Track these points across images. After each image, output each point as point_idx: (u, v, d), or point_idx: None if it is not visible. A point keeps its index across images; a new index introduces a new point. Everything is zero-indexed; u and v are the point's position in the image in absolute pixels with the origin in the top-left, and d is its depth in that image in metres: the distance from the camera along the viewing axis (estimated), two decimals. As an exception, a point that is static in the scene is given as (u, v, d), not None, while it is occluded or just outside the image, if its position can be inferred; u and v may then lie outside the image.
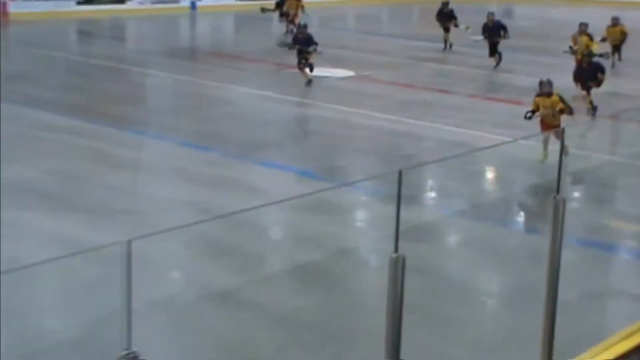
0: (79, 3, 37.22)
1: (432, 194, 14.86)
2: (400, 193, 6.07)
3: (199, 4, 40.65)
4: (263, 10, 34.48)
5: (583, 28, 23.78)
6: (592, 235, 12.99)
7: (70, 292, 10.50)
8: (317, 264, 12.07)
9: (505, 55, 27.71)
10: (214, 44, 30.87)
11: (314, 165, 16.49)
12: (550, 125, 15.73)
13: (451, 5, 30.70)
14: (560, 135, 14.55)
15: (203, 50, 30.29)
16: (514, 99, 19.18)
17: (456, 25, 29.99)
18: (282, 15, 32.26)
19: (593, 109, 19.31)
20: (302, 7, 32.46)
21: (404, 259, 5.91)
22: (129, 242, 4.71)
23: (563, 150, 7.74)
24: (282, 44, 24.24)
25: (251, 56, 28.64)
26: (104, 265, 9.80)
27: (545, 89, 16.11)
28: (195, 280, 11.53)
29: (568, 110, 15.75)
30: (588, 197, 15.01)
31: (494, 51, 26.75)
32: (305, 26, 24.48)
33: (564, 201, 7.33)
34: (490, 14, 27.41)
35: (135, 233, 4.91)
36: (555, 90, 15.85)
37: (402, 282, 5.93)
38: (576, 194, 14.37)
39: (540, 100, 16.00)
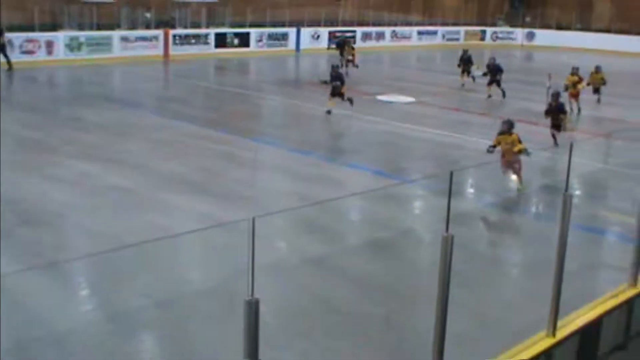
0: (216, 47, 37.51)
1: (472, 190, 14.72)
2: (451, 189, 6.06)
3: (302, 47, 40.77)
4: (329, 49, 34.51)
5: (575, 71, 23.46)
6: (589, 223, 12.78)
7: (209, 255, 10.62)
8: (385, 240, 12.05)
9: (524, 88, 27.40)
10: (312, 77, 30.91)
11: (384, 166, 16.45)
12: (508, 159, 14.21)
13: (470, 52, 30.05)
14: (516, 168, 14.15)
15: (304, 81, 30.40)
16: (532, 121, 18.85)
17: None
18: (342, 55, 31.97)
19: (555, 143, 17.93)
20: (354, 54, 31.90)
21: (452, 237, 5.89)
22: (253, 219, 4.74)
23: (570, 158, 7.59)
24: (322, 81, 23.28)
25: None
26: (233, 236, 9.91)
27: (503, 128, 14.43)
28: (296, 249, 11.58)
29: (525, 151, 14.04)
30: (586, 194, 14.73)
31: (491, 83, 26.01)
32: (337, 67, 23.60)
33: (571, 197, 7.26)
34: (492, 58, 26.79)
35: (254, 213, 4.94)
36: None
37: (451, 254, 5.91)
38: (577, 192, 14.11)
39: (501, 138, 14.31)
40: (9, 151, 17.08)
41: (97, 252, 10.44)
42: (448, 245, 5.92)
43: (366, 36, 44.54)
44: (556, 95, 18.29)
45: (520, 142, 14.08)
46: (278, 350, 7.66)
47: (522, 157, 14.14)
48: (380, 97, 26.19)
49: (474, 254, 10.99)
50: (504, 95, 25.91)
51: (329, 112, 21.99)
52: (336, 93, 22.24)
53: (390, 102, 25.43)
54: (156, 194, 13.78)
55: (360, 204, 13.65)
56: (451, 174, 6.27)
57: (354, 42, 36.76)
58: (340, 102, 22.03)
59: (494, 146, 14.40)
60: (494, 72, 26.01)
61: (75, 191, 13.84)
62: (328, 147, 18.77)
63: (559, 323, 7.53)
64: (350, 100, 22.26)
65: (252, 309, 4.82)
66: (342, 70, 30.48)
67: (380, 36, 45.42)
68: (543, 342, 7.40)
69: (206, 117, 21.84)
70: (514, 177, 14.37)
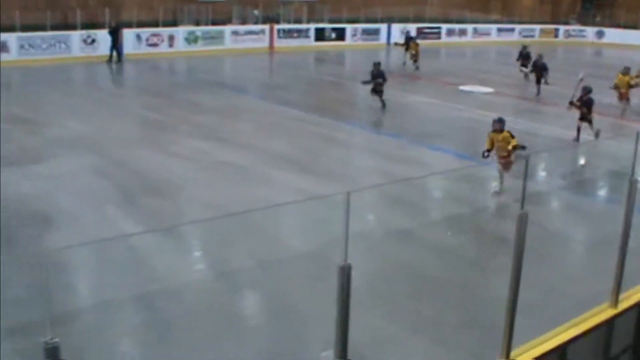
0: (315, 40, 37.62)
1: (542, 173, 14.42)
2: (527, 171, 5.95)
3: (392, 41, 40.44)
4: (396, 44, 33.85)
5: (626, 70, 22.39)
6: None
7: (306, 224, 10.70)
8: (465, 216, 11.94)
9: (592, 82, 26.29)
10: (399, 68, 30.69)
11: (465, 149, 16.23)
12: (502, 157, 12.85)
13: (529, 48, 28.81)
14: (508, 168, 12.76)
15: (393, 71, 30.16)
16: (596, 111, 18.18)
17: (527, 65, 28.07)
18: (407, 51, 31.39)
19: (577, 138, 16.87)
20: (418, 50, 30.63)
21: (527, 215, 5.79)
22: (348, 194, 4.75)
23: (636, 145, 7.33)
24: (363, 82, 21.19)
25: (424, 76, 28.36)
26: (328, 208, 9.95)
27: (495, 126, 12.96)
28: (383, 222, 11.58)
29: (520, 146, 12.75)
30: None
31: (539, 81, 24.66)
32: (379, 64, 21.41)
33: (636, 181, 7.06)
34: (539, 55, 25.72)
35: (346, 188, 4.95)
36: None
37: (525, 231, 5.81)
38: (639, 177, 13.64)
39: (493, 135, 12.92)
40: (136, 130, 17.60)
41: (209, 218, 10.65)
42: (522, 222, 5.82)
43: (450, 32, 44.03)
44: (587, 90, 17.15)
45: (512, 137, 12.91)
46: (366, 311, 7.69)
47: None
48: (462, 87, 25.85)
49: (544, 231, 10.81)
50: (538, 92, 24.84)
51: (383, 105, 20.81)
52: (378, 90, 20.84)
53: (471, 92, 25.07)
54: (262, 169, 13.94)
55: (442, 182, 13.52)
56: (527, 157, 6.18)
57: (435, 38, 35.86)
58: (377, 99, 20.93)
59: (489, 150, 12.98)
60: (540, 70, 25.01)
61: (191, 166, 14.13)
62: (414, 131, 18.61)
63: (621, 296, 7.36)
64: (384, 105, 20.89)
65: (345, 273, 4.85)
66: (406, 64, 30.21)
67: (463, 32, 44.80)
68: (605, 313, 7.25)
69: (306, 103, 21.93)
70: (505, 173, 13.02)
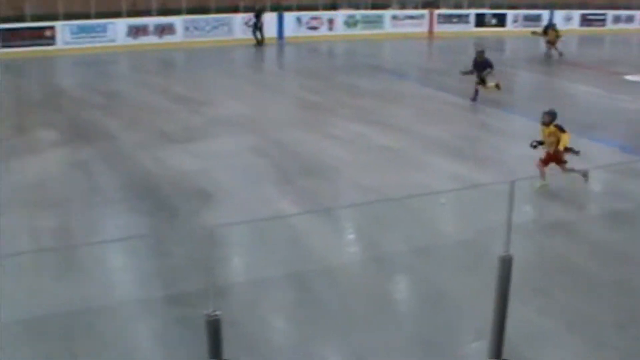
0: (475, 26, 36.86)
1: None
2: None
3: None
4: (533, 33, 32.09)
5: None
6: None
7: (464, 212, 10.53)
8: (626, 211, 11.33)
9: None
10: (555, 56, 29.47)
11: (630, 142, 15.42)
12: (549, 153, 11.77)
13: None
14: (563, 166, 11.71)
15: (554, 58, 29.01)
16: None
17: None
18: (548, 42, 29.72)
19: None
20: (559, 36, 28.79)
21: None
22: (513, 182, 4.62)
23: None
24: (462, 72, 19.59)
25: (588, 64, 27.22)
26: (484, 196, 9.74)
27: (544, 119, 11.86)
28: (540, 213, 11.21)
29: (573, 150, 11.79)
30: None
31: None
32: (482, 52, 19.78)
33: None
34: None
35: (503, 177, 4.82)
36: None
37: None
38: None
39: (542, 129, 11.92)
40: (295, 111, 17.95)
41: (365, 202, 10.70)
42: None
43: (617, 19, 41.95)
44: None
45: (562, 131, 11.69)
46: (520, 303, 7.47)
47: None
48: (628, 77, 24.52)
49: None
50: None
51: (497, 85, 19.49)
52: (482, 80, 19.41)
53: (638, 82, 23.76)
54: (418, 154, 13.87)
55: (604, 176, 12.93)
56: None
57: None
58: (483, 88, 19.55)
59: (540, 143, 11.95)
60: None
61: (348, 148, 14.25)
62: (575, 121, 17.80)
63: None
64: (476, 93, 19.42)
65: (506, 264, 4.74)
66: (547, 53, 28.79)
67: (630, 19, 42.54)
68: None
69: (465, 89, 21.50)
70: (568, 172, 11.90)
